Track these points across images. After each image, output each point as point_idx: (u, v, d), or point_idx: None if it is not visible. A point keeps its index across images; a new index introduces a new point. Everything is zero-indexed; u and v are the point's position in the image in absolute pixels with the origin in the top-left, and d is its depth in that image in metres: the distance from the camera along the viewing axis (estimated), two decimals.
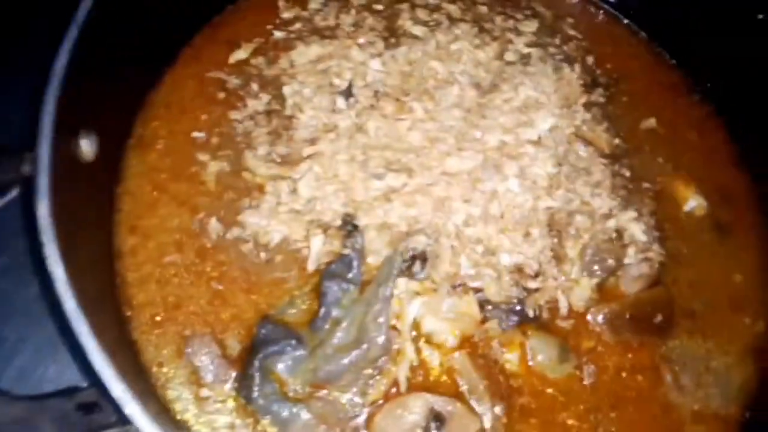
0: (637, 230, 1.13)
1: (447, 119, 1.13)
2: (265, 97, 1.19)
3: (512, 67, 1.23)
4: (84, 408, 0.76)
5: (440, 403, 0.96)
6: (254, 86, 1.20)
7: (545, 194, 1.10)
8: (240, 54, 1.24)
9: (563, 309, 1.08)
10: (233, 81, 1.20)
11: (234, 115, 1.17)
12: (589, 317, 1.09)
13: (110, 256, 1.02)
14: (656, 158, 1.25)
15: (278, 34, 1.27)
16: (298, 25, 1.29)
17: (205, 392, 0.95)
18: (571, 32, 1.36)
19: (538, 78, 1.20)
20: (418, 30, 1.27)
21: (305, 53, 1.23)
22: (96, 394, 0.75)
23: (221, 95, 1.18)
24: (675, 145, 1.27)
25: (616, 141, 1.24)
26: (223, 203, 1.09)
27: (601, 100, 1.28)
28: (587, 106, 1.23)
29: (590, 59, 1.33)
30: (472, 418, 0.95)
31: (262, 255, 1.06)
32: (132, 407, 0.71)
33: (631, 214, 1.14)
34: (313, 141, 1.13)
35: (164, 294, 1.01)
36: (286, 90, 1.18)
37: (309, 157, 1.12)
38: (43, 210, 0.76)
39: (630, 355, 1.08)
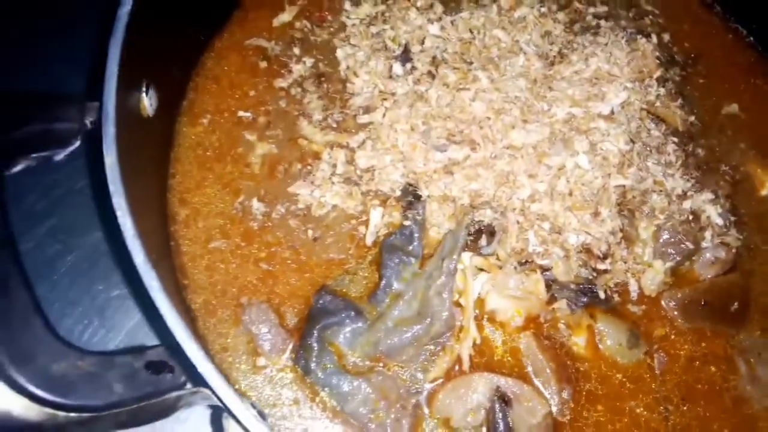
0: (713, 213, 1.07)
1: (512, 90, 1.07)
2: (309, 61, 1.14)
3: (582, 38, 1.17)
4: (153, 367, 0.74)
5: (506, 383, 0.91)
6: (296, 50, 1.16)
7: (616, 172, 1.04)
8: (284, 17, 1.19)
9: (634, 293, 1.03)
10: (274, 47, 1.16)
11: (279, 83, 1.13)
12: (662, 302, 1.03)
13: (166, 219, 0.99)
14: (738, 143, 1.18)
15: None
16: None
17: (262, 361, 0.91)
18: (647, 7, 1.29)
19: (611, 49, 1.14)
20: None
21: (355, 12, 1.18)
22: (165, 354, 0.72)
23: (263, 64, 1.14)
24: (756, 131, 1.20)
25: (691, 119, 1.17)
26: (269, 183, 1.04)
27: (677, 78, 1.22)
28: (661, 80, 1.17)
29: (666, 36, 1.26)
30: (540, 401, 0.91)
31: (310, 233, 1.02)
32: (206, 366, 0.68)
33: (708, 195, 1.08)
34: (369, 108, 1.09)
35: (213, 281, 0.97)
36: (339, 53, 1.14)
37: (366, 125, 1.08)
38: (111, 159, 0.73)
39: (703, 344, 1.03)
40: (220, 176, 1.03)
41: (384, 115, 1.07)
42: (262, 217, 1.01)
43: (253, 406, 0.76)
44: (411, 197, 1.03)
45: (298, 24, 1.18)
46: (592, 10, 1.24)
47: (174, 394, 0.74)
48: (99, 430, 0.69)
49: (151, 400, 0.73)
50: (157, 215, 0.95)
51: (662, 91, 1.15)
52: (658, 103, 1.15)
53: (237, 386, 0.88)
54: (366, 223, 1.03)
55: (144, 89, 0.89)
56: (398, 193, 1.04)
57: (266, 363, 0.91)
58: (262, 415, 0.77)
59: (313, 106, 1.11)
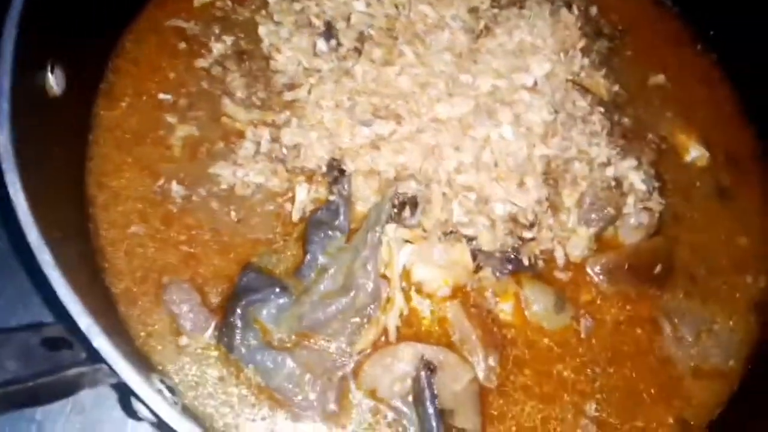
0: (636, 179, 1.09)
1: (438, 64, 1.07)
2: (230, 39, 1.12)
3: (507, 11, 1.17)
4: (50, 343, 0.71)
5: (431, 352, 0.92)
6: (216, 29, 1.13)
7: (540, 142, 1.05)
8: None
9: (560, 260, 1.04)
10: (193, 27, 1.13)
11: (200, 63, 1.10)
12: (587, 268, 1.05)
13: (82, 202, 0.97)
14: (664, 112, 1.20)
15: None
16: None
17: (183, 341, 0.90)
18: None
19: (534, 21, 1.14)
20: None
21: None
22: (63, 330, 0.71)
23: (182, 45, 1.11)
24: (683, 101, 1.22)
25: (616, 88, 1.19)
26: (190, 165, 1.02)
27: (604, 51, 1.23)
28: (585, 51, 1.18)
29: (594, 10, 1.27)
30: (464, 367, 0.92)
31: (233, 214, 1.00)
32: (100, 341, 0.67)
33: (631, 162, 1.10)
34: (293, 86, 1.08)
35: (132, 267, 0.95)
36: (262, 30, 1.12)
37: (291, 102, 1.07)
38: (3, 137, 0.71)
39: (628, 307, 1.05)
40: (138, 159, 1.01)
41: (309, 92, 1.06)
42: (182, 200, 1.00)
43: (162, 381, 0.75)
44: (336, 172, 1.02)
45: (219, 3, 1.16)
46: None
47: (73, 371, 0.72)
48: None
49: (49, 377, 0.71)
50: (70, 198, 0.93)
51: (586, 61, 1.16)
52: (582, 74, 1.16)
53: (159, 367, 0.87)
54: (292, 200, 1.02)
55: (49, 68, 0.87)
56: (324, 168, 1.03)
57: (188, 342, 0.90)
58: (172, 391, 0.75)
59: (236, 85, 1.09)
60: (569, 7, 1.20)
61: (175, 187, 1.00)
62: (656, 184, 1.12)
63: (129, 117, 1.04)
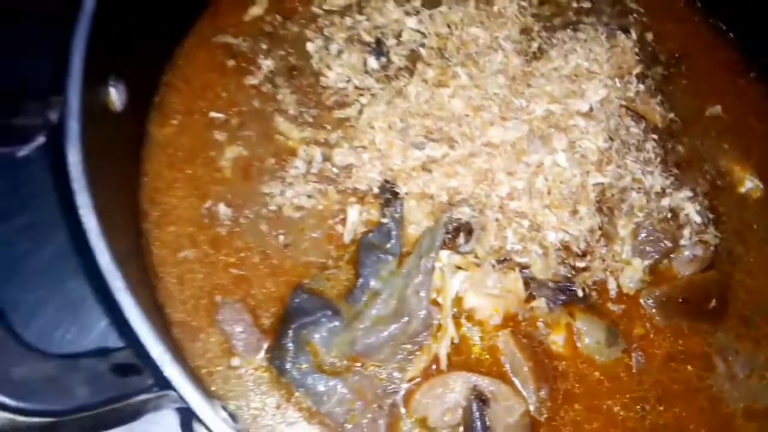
0: (692, 210, 1.06)
1: (491, 86, 1.05)
2: (278, 55, 1.11)
3: (561, 33, 1.15)
4: (119, 370, 0.71)
5: (483, 383, 0.90)
6: (264, 45, 1.12)
7: (595, 170, 1.03)
8: (255, 10, 1.15)
9: (612, 291, 1.02)
10: (241, 44, 1.11)
11: (250, 80, 1.09)
12: (640, 300, 1.03)
13: (137, 216, 0.96)
14: (721, 143, 1.18)
15: None
16: None
17: (236, 362, 0.90)
18: (631, 5, 1.27)
19: (590, 45, 1.12)
20: None
21: (328, 2, 1.16)
22: (131, 356, 0.71)
23: (231, 63, 1.10)
24: (738, 131, 1.19)
25: (671, 116, 1.16)
26: (240, 186, 1.01)
27: (659, 77, 1.21)
28: (641, 77, 1.15)
29: (649, 35, 1.25)
30: (517, 400, 0.90)
31: (281, 238, 0.99)
32: (171, 369, 0.67)
33: (687, 193, 1.07)
34: (344, 104, 1.08)
35: (183, 287, 0.94)
36: (310, 46, 1.12)
37: (342, 120, 1.07)
38: (74, 156, 0.71)
39: (680, 342, 1.02)
40: (190, 179, 1.00)
41: (360, 111, 1.06)
42: (230, 222, 0.98)
43: (224, 408, 0.74)
44: (389, 194, 1.01)
45: (268, 17, 1.15)
46: (574, 5, 1.23)
47: (140, 397, 0.72)
48: None
49: (117, 404, 0.71)
50: (127, 212, 0.93)
51: (642, 87, 1.14)
52: (637, 100, 1.14)
53: (212, 388, 0.87)
54: (343, 222, 1.01)
55: (112, 83, 0.87)
56: (376, 190, 1.02)
57: (240, 363, 0.90)
58: (233, 418, 0.75)
59: (288, 101, 1.09)
60: (626, 31, 1.18)
61: (223, 209, 0.99)
62: (711, 216, 1.10)
63: (180, 135, 1.04)
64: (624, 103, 1.11)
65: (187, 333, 0.91)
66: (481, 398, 0.89)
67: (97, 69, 0.81)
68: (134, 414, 0.73)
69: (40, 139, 0.80)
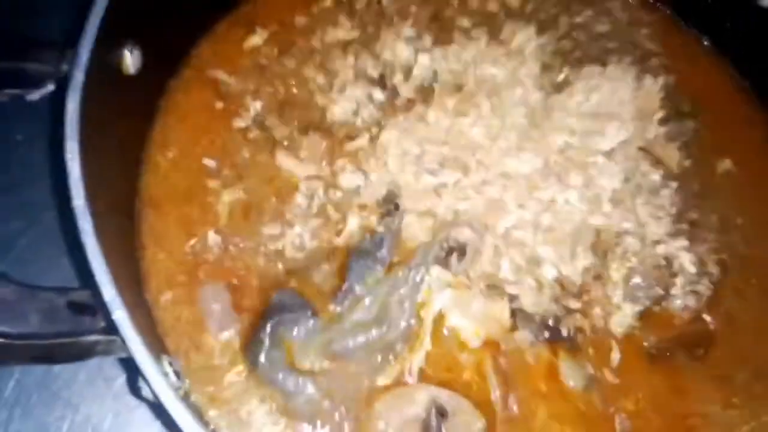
0: (686, 260, 1.04)
1: (511, 116, 1.04)
2: (268, 90, 1.08)
3: (589, 68, 1.13)
4: (74, 307, 0.73)
5: (446, 397, 0.90)
6: (251, 85, 1.08)
7: (601, 210, 1.01)
8: (255, 40, 1.13)
9: (615, 360, 0.98)
10: (229, 82, 1.09)
11: (237, 123, 1.06)
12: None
13: (134, 186, 0.99)
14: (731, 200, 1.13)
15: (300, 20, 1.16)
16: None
17: (206, 339, 0.91)
18: (650, 45, 1.24)
19: (617, 84, 1.10)
20: (466, 22, 1.16)
21: (333, 34, 1.14)
22: (89, 297, 0.72)
23: (219, 105, 1.07)
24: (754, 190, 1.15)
25: (687, 163, 1.13)
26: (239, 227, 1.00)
27: (680, 125, 1.18)
28: (662, 121, 1.13)
29: (671, 79, 1.20)
30: (476, 417, 0.89)
31: (280, 266, 0.98)
32: (120, 314, 0.68)
33: (683, 242, 1.04)
34: (352, 137, 1.06)
35: (172, 257, 0.95)
36: (313, 82, 1.10)
37: (352, 152, 1.05)
38: (73, 104, 0.75)
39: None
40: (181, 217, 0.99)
41: (371, 140, 1.05)
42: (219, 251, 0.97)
43: (170, 364, 0.75)
44: (391, 206, 1.02)
45: (265, 50, 1.12)
46: (598, 43, 1.20)
47: (91, 337, 0.73)
48: (13, 360, 0.70)
49: (67, 339, 0.73)
50: (123, 177, 0.95)
51: (662, 131, 1.12)
52: (656, 144, 1.12)
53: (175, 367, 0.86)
54: (341, 231, 1.01)
55: (129, 48, 0.89)
56: (380, 197, 1.02)
57: (211, 342, 0.90)
58: (178, 375, 0.76)
59: (285, 137, 1.06)
60: (655, 75, 1.16)
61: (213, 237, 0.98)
62: (705, 270, 1.06)
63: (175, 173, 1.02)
64: (643, 144, 1.09)
65: (165, 300, 0.92)
66: (441, 412, 0.88)
67: (114, 30, 0.84)
68: (83, 353, 0.75)
69: (50, 87, 0.85)
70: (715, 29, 1.25)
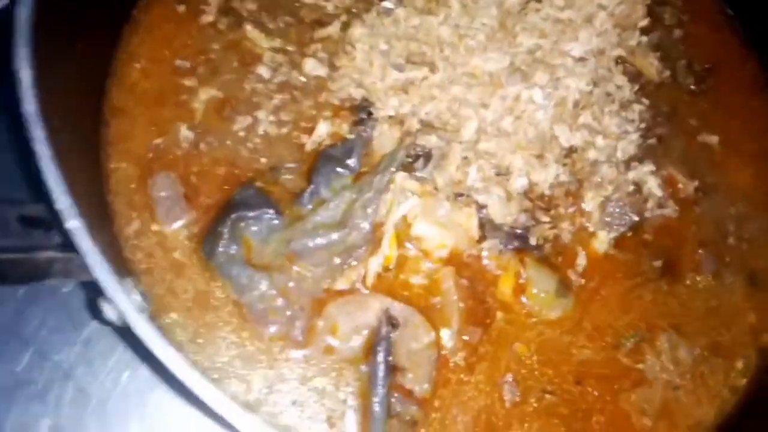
0: (654, 184, 1.02)
1: (482, 16, 1.02)
2: None
3: None
4: (26, 221, 0.68)
5: (398, 308, 0.89)
6: None
7: (568, 116, 0.98)
8: None
9: (580, 266, 0.97)
10: None
11: (204, 19, 1.04)
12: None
13: (99, 107, 0.96)
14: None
15: None
16: None
17: (155, 227, 0.90)
18: None
19: None
20: None
21: None
22: (44, 211, 0.67)
23: (181, 9, 1.05)
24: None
25: (666, 74, 1.10)
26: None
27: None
28: (646, 31, 1.10)
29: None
30: (426, 330, 0.88)
31: (249, 144, 0.98)
32: (75, 223, 0.64)
33: (650, 167, 1.02)
34: (322, 22, 1.05)
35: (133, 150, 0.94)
36: None
37: (323, 39, 1.05)
38: (25, 11, 0.72)
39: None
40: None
41: (341, 29, 1.04)
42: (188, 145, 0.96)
43: (135, 286, 0.70)
44: (364, 114, 1.00)
45: None
46: None
47: (45, 254, 0.69)
48: None
49: (19, 255, 0.68)
50: (85, 93, 0.92)
51: (644, 40, 1.09)
52: (636, 52, 1.09)
53: (126, 254, 0.87)
54: (310, 131, 1.00)
55: None
56: (354, 104, 1.00)
57: (158, 229, 0.90)
58: (144, 297, 0.71)
59: (256, 11, 1.06)
60: None
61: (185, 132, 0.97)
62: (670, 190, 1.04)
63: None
64: (622, 52, 1.06)
65: (122, 200, 0.91)
66: (392, 322, 0.87)
67: None
68: (39, 273, 0.71)
69: (4, 1, 0.82)
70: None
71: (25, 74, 0.70)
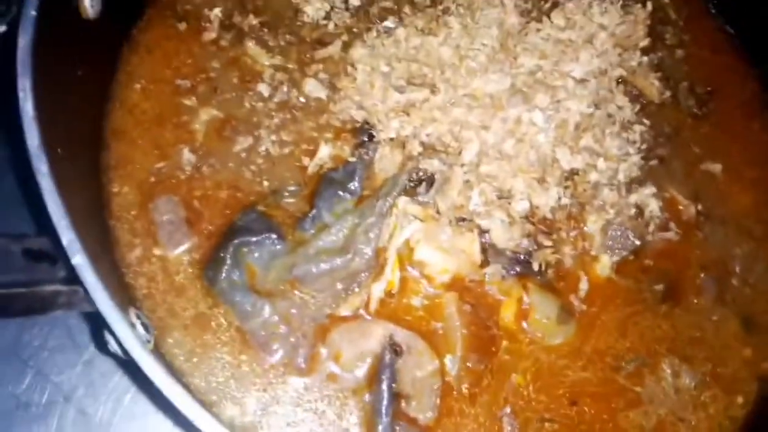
0: (655, 207, 1.02)
1: (483, 37, 1.02)
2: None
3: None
4: (31, 254, 0.69)
5: (402, 335, 0.89)
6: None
7: (570, 139, 0.98)
8: None
9: (583, 290, 0.97)
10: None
11: (206, 36, 1.04)
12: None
13: (99, 131, 0.96)
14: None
15: None
16: None
17: (157, 252, 0.90)
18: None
19: (600, 14, 1.07)
20: None
21: None
22: (47, 244, 0.68)
23: (182, 26, 1.05)
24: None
25: (667, 94, 1.10)
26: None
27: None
28: (646, 51, 1.10)
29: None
30: (430, 357, 0.88)
31: (252, 167, 0.97)
32: (80, 259, 0.65)
33: (651, 189, 1.02)
34: (324, 42, 1.05)
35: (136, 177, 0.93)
36: None
37: (324, 59, 1.05)
38: (24, 41, 0.72)
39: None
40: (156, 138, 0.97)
41: (342, 49, 1.05)
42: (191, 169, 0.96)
43: (138, 316, 0.72)
44: (365, 136, 1.00)
45: None
46: None
47: (50, 287, 0.69)
48: None
49: (24, 288, 0.69)
50: (87, 120, 0.92)
51: (645, 60, 1.09)
52: (637, 72, 1.09)
53: (128, 279, 0.86)
54: (312, 153, 1.00)
55: None
56: (356, 126, 1.01)
57: (161, 254, 0.89)
58: (147, 328, 0.73)
59: (257, 27, 1.06)
60: (644, 3, 1.11)
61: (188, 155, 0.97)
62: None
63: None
64: (623, 72, 1.06)
65: (124, 225, 0.91)
66: (395, 349, 0.87)
67: None
68: (43, 306, 0.71)
69: (2, 28, 0.82)
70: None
71: (27, 106, 0.70)
